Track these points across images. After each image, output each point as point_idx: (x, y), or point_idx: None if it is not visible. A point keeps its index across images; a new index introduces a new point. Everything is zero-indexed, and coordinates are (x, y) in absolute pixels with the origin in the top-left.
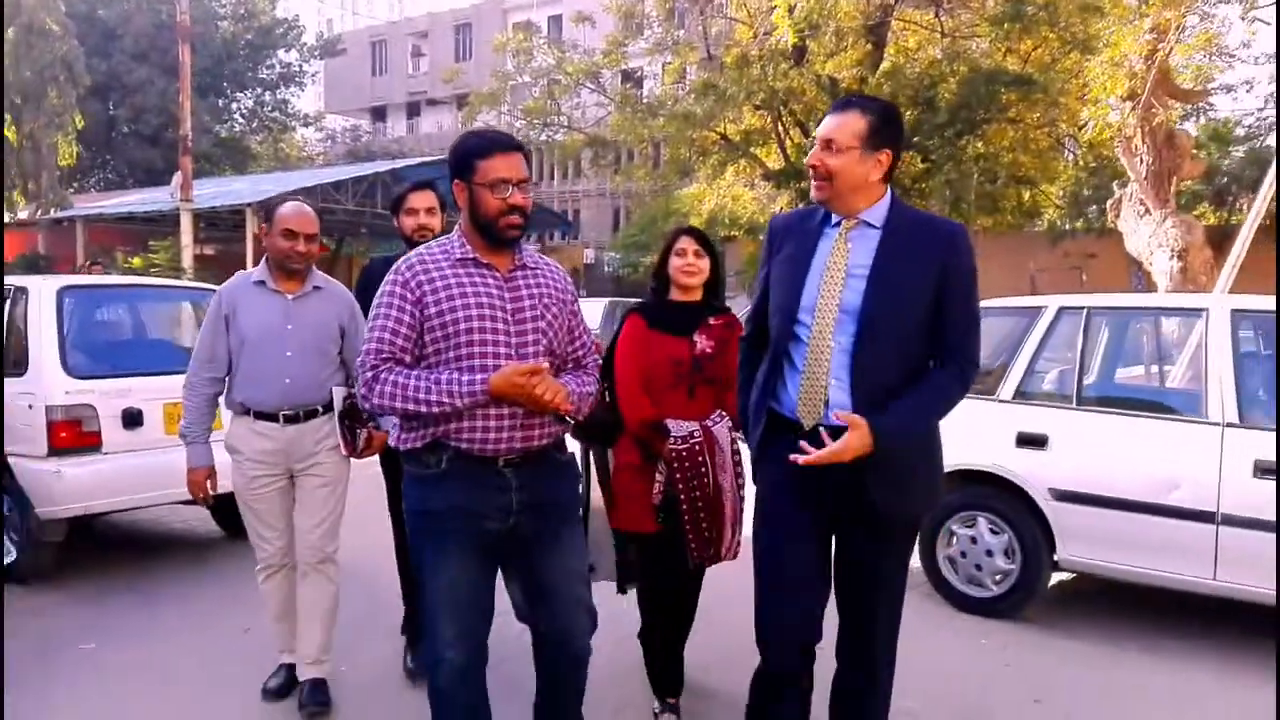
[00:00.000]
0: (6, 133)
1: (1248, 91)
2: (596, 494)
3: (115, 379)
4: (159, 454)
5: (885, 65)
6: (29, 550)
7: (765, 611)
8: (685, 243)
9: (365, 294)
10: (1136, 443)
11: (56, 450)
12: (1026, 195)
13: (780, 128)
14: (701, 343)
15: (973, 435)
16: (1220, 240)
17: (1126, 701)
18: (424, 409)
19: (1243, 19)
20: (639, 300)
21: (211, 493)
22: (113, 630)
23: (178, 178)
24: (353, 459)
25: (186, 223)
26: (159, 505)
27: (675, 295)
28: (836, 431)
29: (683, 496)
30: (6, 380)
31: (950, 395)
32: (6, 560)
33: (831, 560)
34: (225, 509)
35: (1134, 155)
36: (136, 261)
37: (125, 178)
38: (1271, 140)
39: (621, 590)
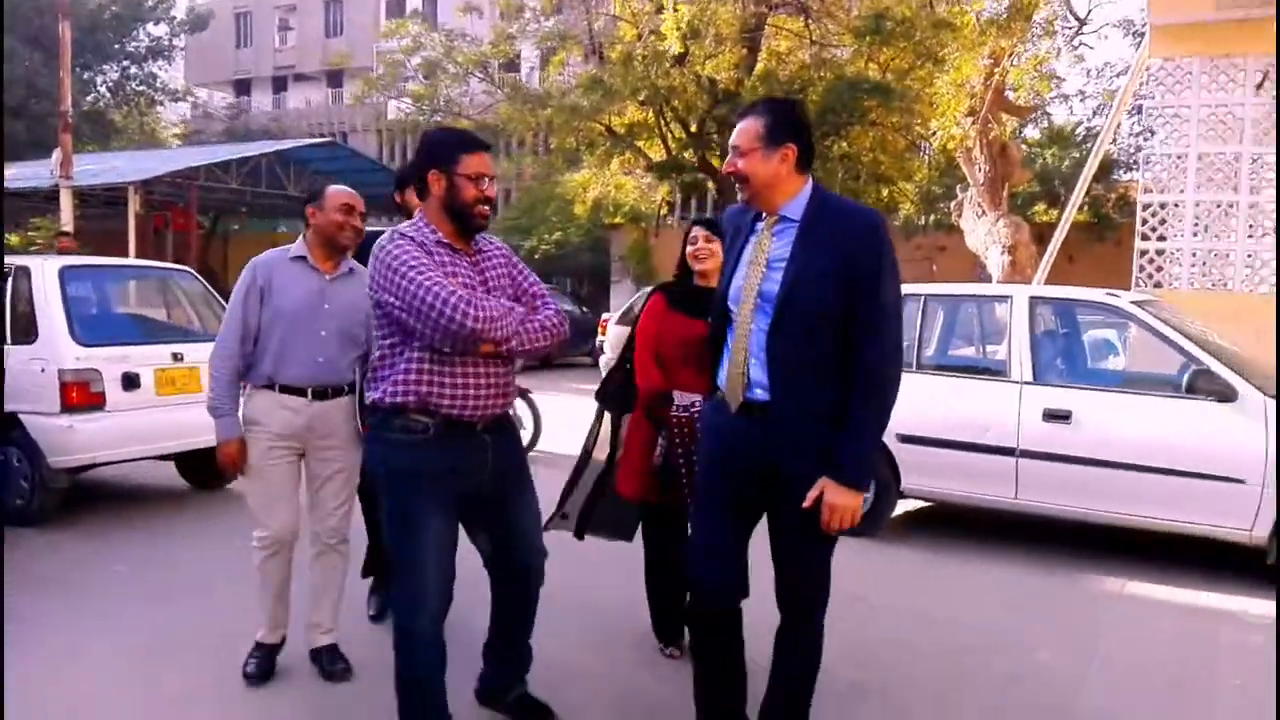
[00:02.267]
0: None
1: (1081, 102)
2: (599, 454)
3: (115, 346)
4: (153, 413)
5: (759, 68)
6: (38, 495)
7: (691, 569)
8: (696, 231)
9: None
10: (959, 397)
11: (68, 408)
12: (885, 192)
13: (662, 123)
14: None
15: None
16: (1051, 236)
17: (947, 585)
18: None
19: (1070, 44)
20: (665, 281)
21: (249, 466)
22: (120, 559)
23: (57, 154)
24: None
25: (66, 200)
26: (152, 458)
27: (697, 281)
28: (756, 406)
29: (681, 462)
30: (17, 347)
31: (879, 412)
32: (18, 504)
33: (758, 524)
34: (192, 463)
35: (973, 164)
36: (15, 239)
37: None
38: (1089, 146)
39: (579, 537)
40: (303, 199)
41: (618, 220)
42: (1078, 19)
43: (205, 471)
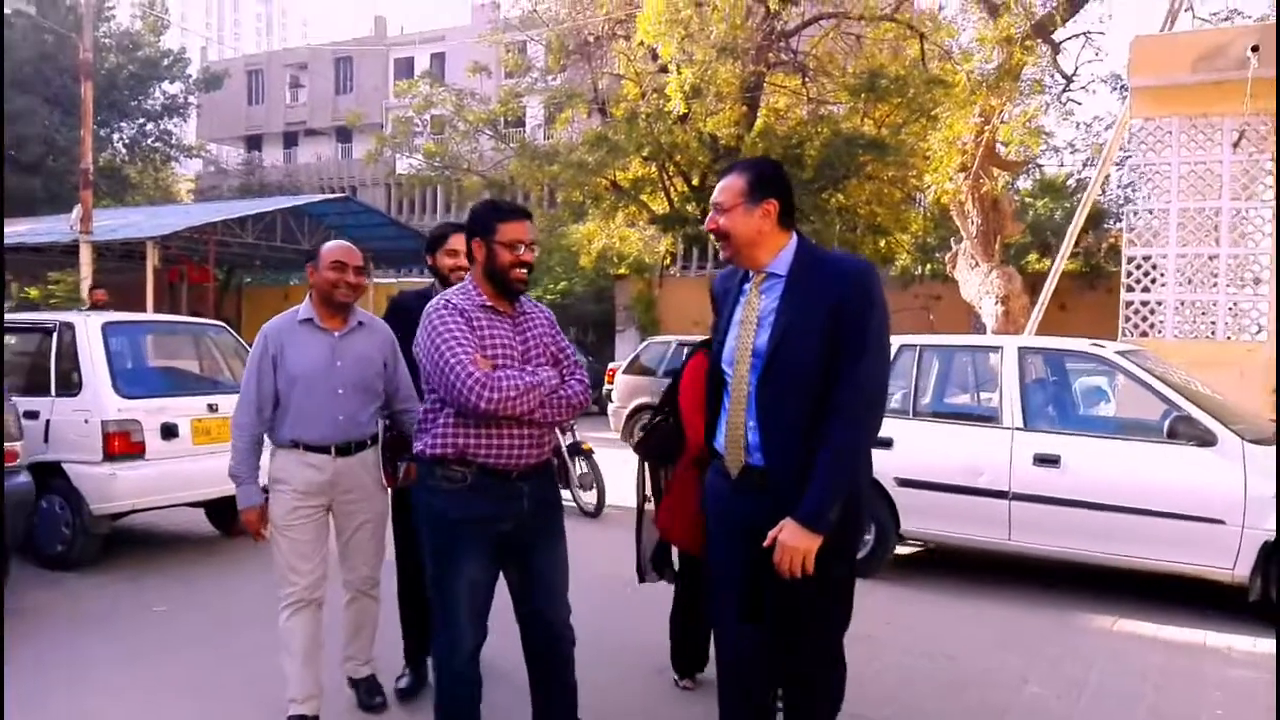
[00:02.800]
0: None
1: (1071, 154)
2: (651, 506)
3: (154, 398)
4: (190, 461)
5: (758, 125)
6: (80, 541)
7: (721, 661)
8: None
9: (397, 320)
10: (954, 443)
11: (111, 457)
12: (882, 243)
13: (665, 177)
14: None
15: None
16: (1043, 286)
17: (946, 623)
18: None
19: (1058, 100)
20: (704, 339)
21: (265, 531)
22: (158, 601)
23: (78, 210)
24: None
25: (86, 255)
26: (189, 504)
27: None
28: (751, 471)
29: None
30: (61, 399)
31: (845, 448)
32: (59, 549)
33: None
34: (221, 510)
35: (966, 217)
36: (34, 292)
37: None
38: (1079, 196)
39: (641, 581)
40: (313, 252)
41: (622, 271)
42: (1065, 76)
43: (233, 518)
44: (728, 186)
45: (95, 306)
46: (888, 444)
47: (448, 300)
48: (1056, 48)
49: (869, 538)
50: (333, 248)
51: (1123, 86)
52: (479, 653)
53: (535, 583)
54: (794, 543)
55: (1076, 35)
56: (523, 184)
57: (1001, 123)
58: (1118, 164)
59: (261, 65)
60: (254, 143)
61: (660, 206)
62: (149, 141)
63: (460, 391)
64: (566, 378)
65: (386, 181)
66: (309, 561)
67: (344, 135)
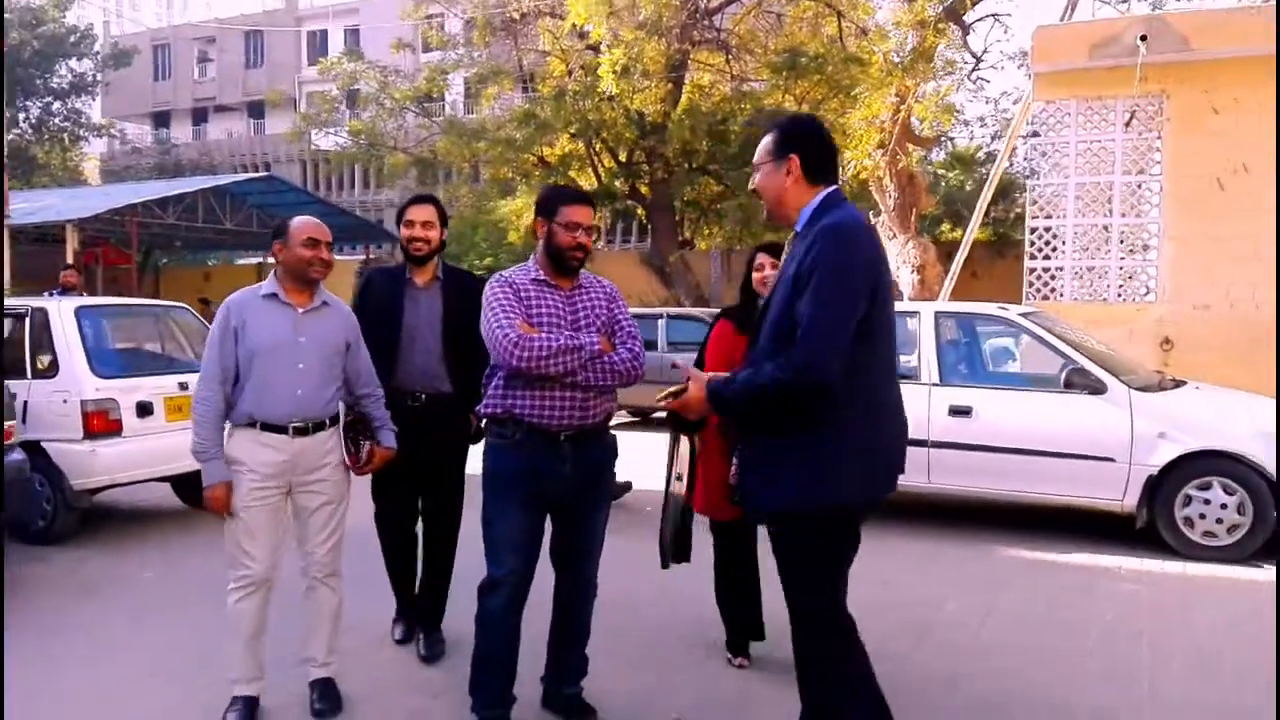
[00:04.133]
0: None
1: (982, 127)
2: (679, 482)
3: (129, 378)
4: (164, 437)
5: (683, 101)
6: (61, 515)
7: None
8: (762, 258)
9: (363, 299)
10: None
11: (90, 434)
12: None
13: (593, 154)
14: None
15: None
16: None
17: (877, 557)
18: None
19: (969, 78)
20: (730, 306)
21: (232, 507)
22: (143, 570)
23: None
24: (353, 474)
25: (5, 239)
26: (161, 479)
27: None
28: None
29: None
30: (38, 381)
31: (766, 382)
32: (40, 524)
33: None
34: (190, 484)
35: (884, 192)
36: None
37: None
38: (989, 168)
39: (665, 566)
40: (235, 231)
41: None
42: (975, 56)
43: (202, 492)
44: (761, 145)
45: (66, 289)
46: None
47: (501, 275)
48: (967, 29)
49: None
50: (304, 224)
51: (1029, 64)
52: (520, 597)
53: (570, 544)
54: (693, 393)
55: (985, 18)
56: (449, 160)
57: (916, 101)
58: (1025, 137)
59: (168, 40)
60: (161, 119)
61: (589, 182)
62: (56, 121)
63: (499, 351)
64: (617, 346)
65: (302, 158)
66: (261, 546)
67: (256, 111)
